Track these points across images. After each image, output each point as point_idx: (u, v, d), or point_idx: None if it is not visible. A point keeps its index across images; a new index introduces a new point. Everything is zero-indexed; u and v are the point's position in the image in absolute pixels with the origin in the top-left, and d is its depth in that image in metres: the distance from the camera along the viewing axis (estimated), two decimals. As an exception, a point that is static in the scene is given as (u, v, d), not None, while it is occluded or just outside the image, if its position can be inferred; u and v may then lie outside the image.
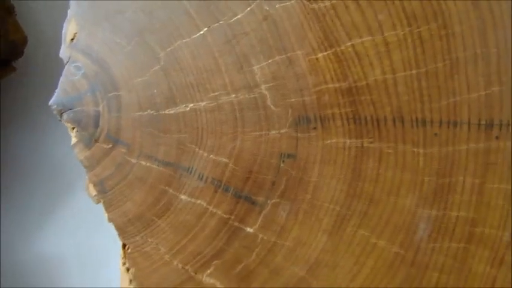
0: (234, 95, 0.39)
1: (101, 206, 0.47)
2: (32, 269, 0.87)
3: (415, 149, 0.35)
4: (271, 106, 0.38)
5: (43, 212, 0.88)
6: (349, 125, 0.36)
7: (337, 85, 0.36)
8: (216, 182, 0.40)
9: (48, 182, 0.89)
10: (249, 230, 0.40)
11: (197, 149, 0.41)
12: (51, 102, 0.47)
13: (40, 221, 0.88)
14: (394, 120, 0.35)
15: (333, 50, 0.36)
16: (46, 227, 0.88)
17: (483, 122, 0.33)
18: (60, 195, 0.88)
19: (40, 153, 0.90)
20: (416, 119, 0.34)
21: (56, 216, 0.88)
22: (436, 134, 0.34)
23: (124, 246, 0.45)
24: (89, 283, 0.85)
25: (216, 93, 0.40)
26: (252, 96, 0.38)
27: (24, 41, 0.82)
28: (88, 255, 0.86)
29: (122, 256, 0.45)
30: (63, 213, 0.88)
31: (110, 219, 0.45)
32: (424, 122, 0.34)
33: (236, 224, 0.40)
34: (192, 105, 0.41)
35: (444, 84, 0.33)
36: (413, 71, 0.34)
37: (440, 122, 0.34)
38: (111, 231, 0.47)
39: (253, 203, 0.39)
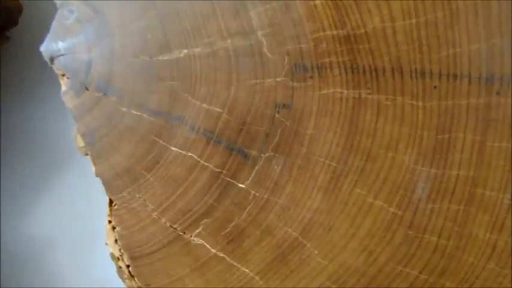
0: (229, 41, 0.47)
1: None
2: (20, 250, 1.00)
3: (414, 102, 0.42)
4: (267, 53, 0.46)
5: (33, 190, 1.01)
6: (346, 74, 0.44)
7: (335, 32, 0.44)
8: (208, 133, 0.49)
9: (40, 159, 1.02)
10: (241, 185, 0.49)
11: (190, 98, 0.50)
12: (41, 47, 0.57)
13: (29, 200, 1.01)
14: (392, 71, 0.42)
15: (332, -5, 0.43)
16: (35, 206, 1.01)
17: (484, 76, 0.40)
18: (52, 173, 1.01)
19: (32, 129, 1.03)
20: (416, 70, 0.42)
21: (46, 195, 1.01)
22: (435, 87, 0.41)
23: (111, 202, 0.54)
24: (78, 266, 0.97)
25: (211, 39, 0.48)
26: (248, 42, 0.47)
27: (19, 9, 0.96)
28: (78, 237, 0.98)
29: (108, 213, 0.55)
30: (54, 192, 1.01)
31: (98, 173, 0.55)
32: (423, 74, 0.42)
33: (228, 178, 0.49)
34: (186, 51, 0.49)
35: (444, 35, 0.41)
36: (413, 20, 0.41)
37: (440, 74, 0.41)
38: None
39: (246, 156, 0.48)
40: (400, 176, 0.44)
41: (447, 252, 0.43)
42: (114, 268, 0.56)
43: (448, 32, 0.41)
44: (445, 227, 0.43)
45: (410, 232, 0.44)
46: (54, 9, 0.57)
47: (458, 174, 0.42)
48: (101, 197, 0.55)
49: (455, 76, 0.41)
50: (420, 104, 0.42)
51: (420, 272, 0.44)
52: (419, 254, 0.44)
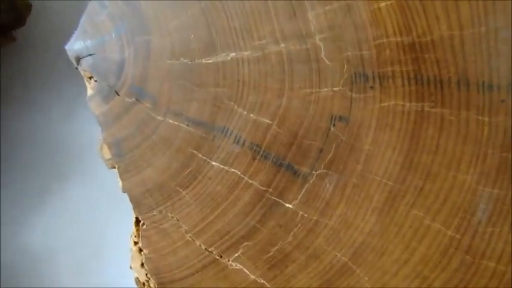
0: (283, 45, 0.61)
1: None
2: (18, 262, 1.19)
3: (480, 117, 0.55)
4: (325, 59, 0.59)
5: (35, 198, 1.22)
6: (410, 85, 0.57)
7: (399, 39, 0.57)
8: (254, 147, 0.63)
9: (43, 166, 1.22)
10: (288, 205, 0.62)
11: (236, 107, 0.63)
12: (67, 46, 0.71)
13: (30, 209, 1.21)
14: (458, 83, 0.55)
15: (397, -1, 0.54)
16: (36, 216, 1.20)
17: (554, 91, 0.50)
18: (55, 181, 1.21)
19: (35, 134, 1.24)
20: (483, 83, 0.54)
21: (48, 204, 1.20)
22: (503, 101, 0.54)
23: (138, 222, 0.68)
24: (81, 281, 1.17)
25: (263, 42, 0.62)
26: (304, 47, 0.60)
27: (27, 8, 1.19)
28: (82, 250, 1.18)
29: (134, 234, 0.68)
30: (57, 201, 1.20)
31: (125, 189, 0.69)
32: (490, 87, 0.54)
33: (274, 198, 0.63)
34: (234, 54, 0.63)
35: None
36: (482, 29, 0.53)
37: (508, 87, 0.53)
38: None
39: (296, 173, 0.62)
40: (460, 196, 0.57)
41: (505, 279, 0.55)
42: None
43: (518, 44, 0.51)
44: (505, 253, 0.55)
45: (468, 257, 0.56)
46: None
47: (522, 196, 0.52)
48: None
49: (524, 90, 0.51)
50: (486, 119, 0.55)
51: (476, 302, 0.54)
52: (476, 281, 0.56)
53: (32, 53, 1.18)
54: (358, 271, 0.61)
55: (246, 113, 0.63)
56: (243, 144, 0.63)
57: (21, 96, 1.18)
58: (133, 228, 0.69)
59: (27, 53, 1.19)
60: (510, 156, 0.54)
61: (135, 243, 0.69)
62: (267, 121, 0.62)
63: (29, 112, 1.18)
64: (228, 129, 0.64)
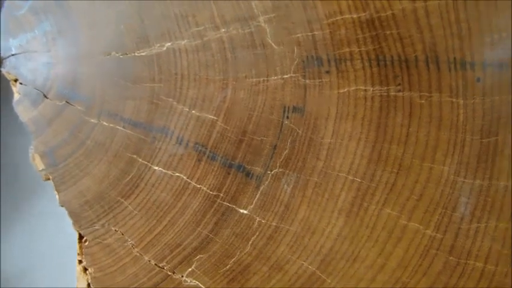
0: (224, 30, 0.52)
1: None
2: None
3: (454, 99, 0.47)
4: (272, 43, 0.51)
5: (3, 218, 1.12)
6: (371, 67, 0.49)
7: (355, 16, 0.48)
8: (199, 148, 0.55)
9: (7, 183, 1.13)
10: (243, 211, 0.54)
11: (175, 103, 0.55)
12: None
13: None
14: (427, 61, 0.47)
15: (350, -31, 0.47)
16: (6, 235, 1.12)
17: (537, 64, 0.44)
18: (22, 199, 1.12)
19: None
20: (455, 59, 0.47)
21: (17, 224, 1.12)
22: (478, 80, 0.46)
23: (80, 238, 0.60)
24: None
25: (201, 28, 0.53)
26: (248, 30, 0.52)
27: None
28: (52, 267, 1.08)
29: (78, 252, 0.59)
30: (25, 221, 1.11)
31: (62, 202, 0.60)
32: (463, 64, 0.46)
33: (226, 203, 0.54)
34: (169, 44, 0.54)
35: (487, 17, 0.45)
36: None
37: (484, 64, 0.46)
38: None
39: (249, 174, 0.53)
40: (438, 190, 0.49)
41: (495, 280, 0.47)
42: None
43: (491, 14, 0.45)
44: (493, 250, 0.47)
45: (452, 258, 0.49)
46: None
47: (507, 186, 0.47)
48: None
49: (500, 66, 0.46)
50: (461, 101, 0.47)
51: (465, 308, 0.48)
52: (462, 284, 0.48)
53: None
54: (328, 280, 0.53)
55: (187, 109, 0.55)
56: (187, 144, 0.55)
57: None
58: (76, 246, 0.60)
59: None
60: (492, 141, 0.47)
61: (80, 261, 0.61)
62: (212, 117, 0.54)
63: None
64: (169, 128, 0.56)
